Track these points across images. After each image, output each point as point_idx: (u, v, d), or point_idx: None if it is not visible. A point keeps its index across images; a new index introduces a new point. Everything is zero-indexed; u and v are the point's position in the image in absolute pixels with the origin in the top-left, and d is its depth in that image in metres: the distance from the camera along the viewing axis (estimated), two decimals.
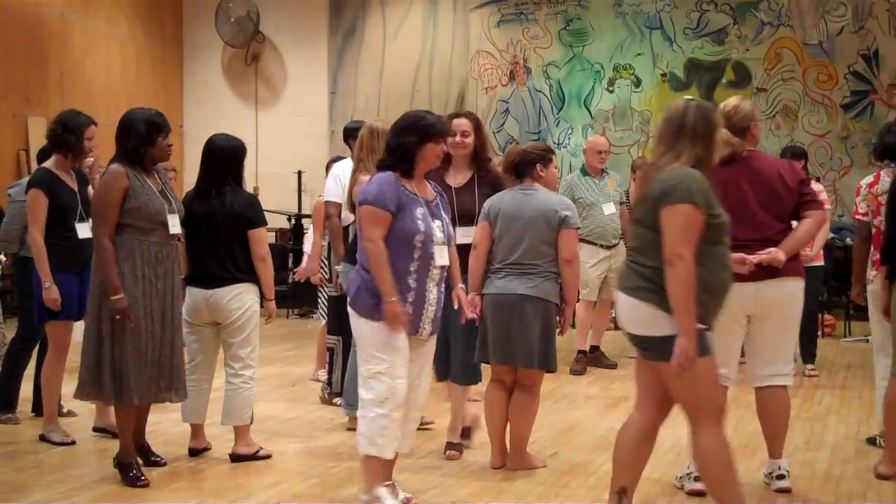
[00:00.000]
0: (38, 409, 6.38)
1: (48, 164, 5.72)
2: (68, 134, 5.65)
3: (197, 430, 5.39)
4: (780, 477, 4.68)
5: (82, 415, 6.49)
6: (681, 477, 4.78)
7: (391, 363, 4.28)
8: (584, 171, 8.37)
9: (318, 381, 7.28)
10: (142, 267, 4.82)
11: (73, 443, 5.68)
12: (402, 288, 4.29)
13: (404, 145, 4.38)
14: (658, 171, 3.84)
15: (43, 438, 5.72)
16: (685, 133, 3.83)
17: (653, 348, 3.80)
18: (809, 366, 7.91)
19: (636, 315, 3.83)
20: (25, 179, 6.28)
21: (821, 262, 7.92)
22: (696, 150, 3.82)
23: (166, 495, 4.72)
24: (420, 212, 4.36)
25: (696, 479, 4.59)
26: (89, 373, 4.86)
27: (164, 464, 5.18)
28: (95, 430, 5.90)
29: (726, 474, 3.82)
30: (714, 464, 3.83)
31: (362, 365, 4.34)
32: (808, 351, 7.87)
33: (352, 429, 5.61)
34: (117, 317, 4.74)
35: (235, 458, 5.23)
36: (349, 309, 4.42)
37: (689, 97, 4.05)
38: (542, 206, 5.06)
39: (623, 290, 3.87)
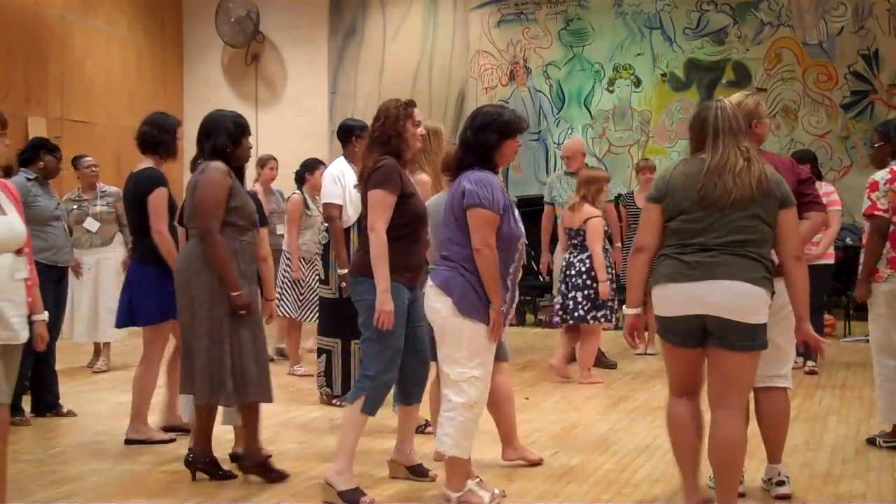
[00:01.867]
0: (37, 409, 6.39)
1: (151, 164, 5.76)
2: (164, 134, 5.77)
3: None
4: (780, 483, 4.61)
5: (82, 415, 6.50)
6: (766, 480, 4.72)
7: (487, 368, 4.36)
8: (568, 172, 8.69)
9: (294, 375, 7.93)
10: (241, 266, 4.83)
11: (173, 440, 5.66)
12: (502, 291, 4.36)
13: (486, 143, 4.36)
14: (763, 165, 4.01)
15: (132, 442, 5.66)
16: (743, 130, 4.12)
17: (755, 336, 3.98)
18: (811, 362, 8.00)
19: (754, 303, 3.96)
20: (20, 178, 6.32)
21: (829, 261, 8.00)
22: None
23: (166, 495, 4.72)
24: (517, 213, 4.45)
25: (780, 483, 4.58)
26: (204, 375, 4.74)
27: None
28: (165, 429, 5.83)
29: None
30: (741, 449, 4.07)
31: (454, 367, 4.32)
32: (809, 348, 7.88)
33: None
34: (242, 312, 4.70)
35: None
36: (446, 307, 4.31)
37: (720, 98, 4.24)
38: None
39: (743, 280, 3.94)
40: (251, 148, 5.06)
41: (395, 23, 13.22)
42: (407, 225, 4.55)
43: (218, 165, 4.82)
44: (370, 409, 4.51)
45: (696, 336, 4.03)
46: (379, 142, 4.62)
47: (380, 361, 4.50)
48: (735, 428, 4.03)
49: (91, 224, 8.08)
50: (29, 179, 6.45)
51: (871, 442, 5.58)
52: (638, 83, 12.29)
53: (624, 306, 4.30)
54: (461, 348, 4.30)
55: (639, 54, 12.27)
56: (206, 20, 13.57)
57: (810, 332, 4.13)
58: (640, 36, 12.27)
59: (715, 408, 4.06)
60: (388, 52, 13.24)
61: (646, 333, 9.18)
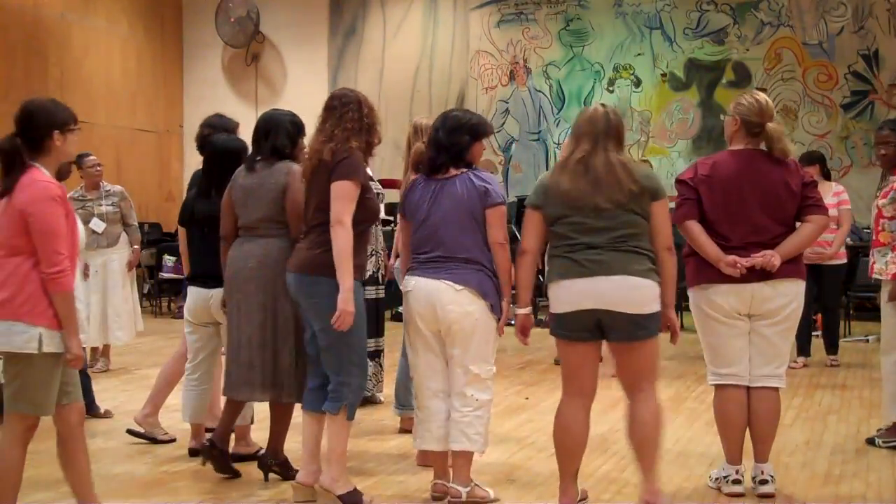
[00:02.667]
0: None
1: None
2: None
3: (197, 430, 5.39)
4: (763, 482, 4.58)
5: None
6: (717, 479, 4.74)
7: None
8: None
9: None
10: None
11: (174, 440, 5.68)
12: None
13: (459, 144, 4.46)
14: (626, 164, 4.21)
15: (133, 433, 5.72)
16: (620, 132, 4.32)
17: (650, 324, 4.16)
18: (832, 357, 8.28)
19: (643, 294, 4.12)
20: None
21: (842, 260, 8.13)
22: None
23: (166, 495, 4.72)
24: None
25: (763, 482, 4.58)
26: (264, 374, 4.71)
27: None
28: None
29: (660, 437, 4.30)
30: (660, 426, 4.28)
31: (484, 365, 4.44)
32: (830, 342, 8.33)
33: (406, 430, 5.62)
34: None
35: (235, 458, 5.22)
36: (480, 310, 4.36)
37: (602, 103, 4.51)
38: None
39: (631, 273, 4.10)
40: (304, 149, 4.90)
41: (395, 22, 13.22)
42: (364, 221, 4.44)
43: (299, 168, 4.74)
44: (353, 414, 4.49)
45: (590, 330, 4.20)
46: (360, 130, 4.49)
47: (355, 367, 4.44)
48: (652, 409, 4.25)
49: (97, 225, 7.96)
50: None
51: (871, 442, 5.58)
52: (638, 83, 12.30)
53: (514, 306, 4.42)
54: (490, 346, 4.45)
55: (639, 54, 12.28)
56: (206, 20, 13.57)
57: (674, 318, 4.29)
58: (640, 36, 12.27)
59: (631, 395, 4.28)
60: (388, 52, 13.25)
61: None
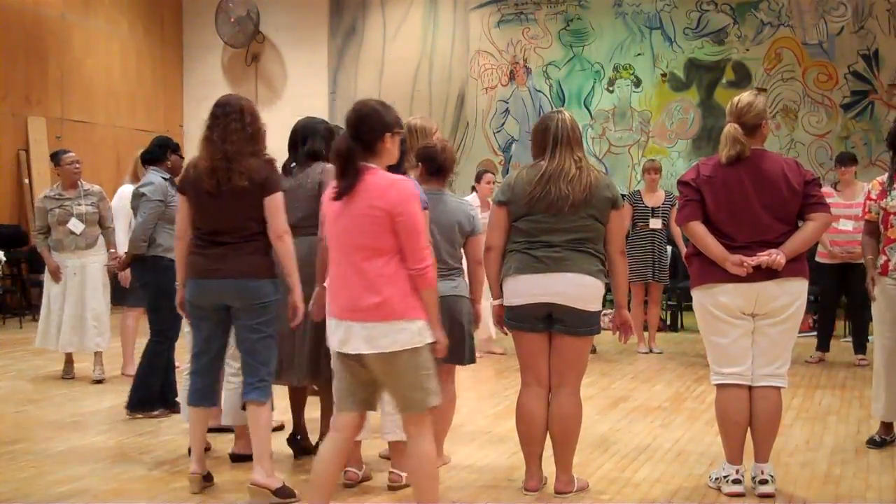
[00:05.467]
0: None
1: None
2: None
3: (241, 432, 5.38)
4: (763, 482, 4.58)
5: (81, 416, 6.50)
6: (717, 479, 4.75)
7: None
8: None
9: None
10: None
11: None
12: None
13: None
14: (588, 171, 4.51)
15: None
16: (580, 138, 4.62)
17: (592, 322, 4.53)
18: (860, 356, 8.37)
19: (592, 293, 4.49)
20: (156, 178, 6.32)
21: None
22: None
23: (166, 495, 4.72)
24: None
25: (763, 482, 4.58)
26: (310, 360, 4.97)
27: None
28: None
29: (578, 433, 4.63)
30: (580, 420, 4.61)
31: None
32: (859, 342, 8.45)
33: None
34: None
35: (235, 458, 5.22)
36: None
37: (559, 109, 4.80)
38: None
39: (582, 272, 4.45)
40: None
41: (395, 23, 13.22)
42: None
43: (332, 167, 4.88)
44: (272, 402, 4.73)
45: (543, 321, 4.53)
46: (255, 139, 4.60)
47: (274, 358, 4.71)
48: (573, 404, 4.57)
49: (75, 225, 7.56)
50: (164, 179, 6.36)
51: (871, 442, 5.57)
52: (638, 83, 12.30)
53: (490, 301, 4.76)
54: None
55: (639, 54, 12.28)
56: (206, 20, 13.57)
57: (627, 317, 4.70)
58: (640, 36, 12.27)
59: (556, 388, 4.58)
60: (388, 52, 13.25)
61: (646, 334, 9.21)
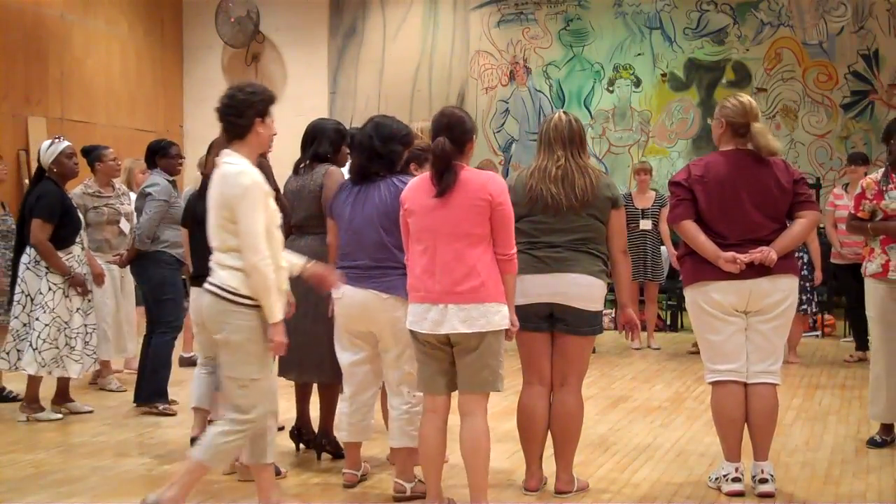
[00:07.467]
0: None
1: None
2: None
3: (200, 418, 5.40)
4: (763, 481, 4.59)
5: (81, 416, 6.50)
6: (717, 479, 4.75)
7: None
8: None
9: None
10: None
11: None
12: None
13: (394, 153, 4.68)
14: (590, 172, 4.56)
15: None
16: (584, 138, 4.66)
17: (594, 322, 4.60)
18: (859, 353, 8.43)
19: (594, 293, 4.52)
20: (160, 179, 6.55)
21: None
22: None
23: None
24: None
25: (763, 481, 4.58)
26: (312, 357, 5.05)
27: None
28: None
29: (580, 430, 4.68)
30: (581, 419, 4.64)
31: (408, 365, 4.55)
32: (861, 341, 8.37)
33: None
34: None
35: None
36: (405, 314, 4.55)
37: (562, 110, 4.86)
38: None
39: (584, 272, 4.49)
40: (349, 154, 5.22)
41: (395, 23, 13.22)
42: None
43: (339, 170, 5.13)
44: None
45: (546, 321, 4.57)
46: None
47: None
48: (575, 404, 4.61)
49: (125, 225, 7.19)
50: (168, 181, 6.64)
51: (872, 442, 5.58)
52: (638, 83, 12.30)
53: None
54: (409, 347, 4.46)
55: (639, 54, 12.28)
56: (206, 20, 13.57)
57: (632, 316, 4.72)
58: (640, 36, 12.27)
59: (558, 387, 4.62)
60: (388, 52, 13.25)
61: (644, 333, 9.23)
